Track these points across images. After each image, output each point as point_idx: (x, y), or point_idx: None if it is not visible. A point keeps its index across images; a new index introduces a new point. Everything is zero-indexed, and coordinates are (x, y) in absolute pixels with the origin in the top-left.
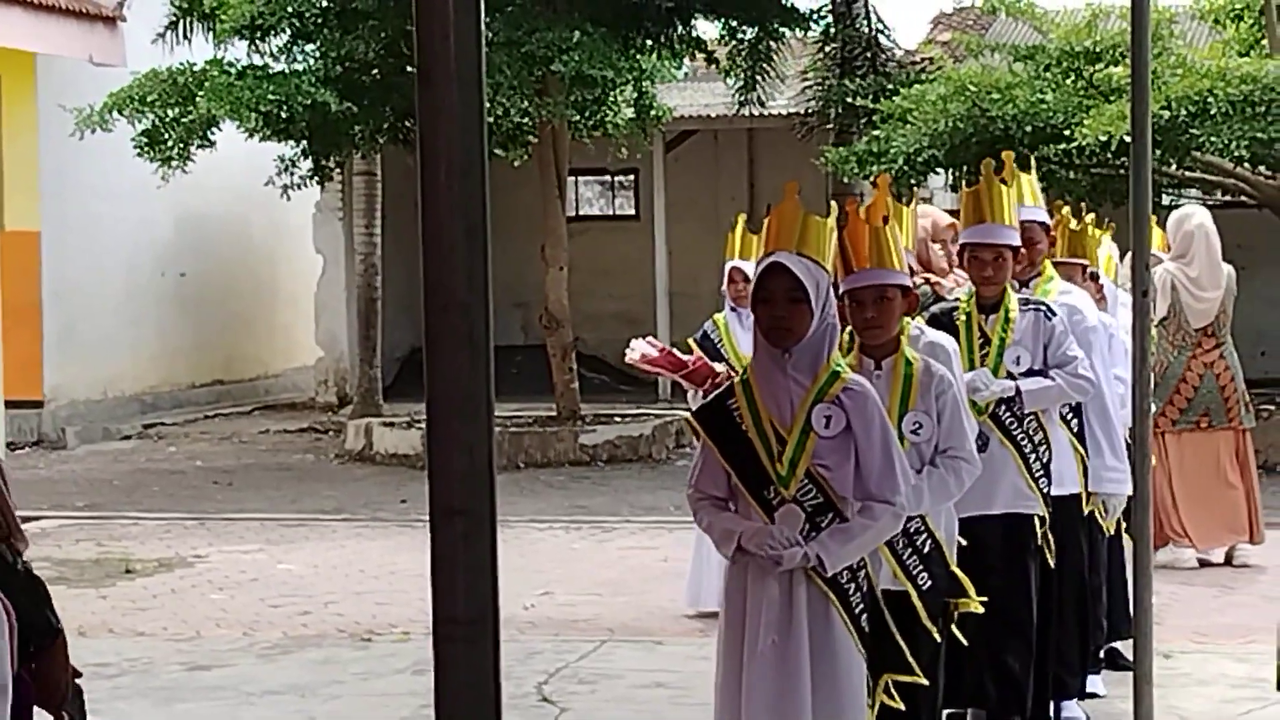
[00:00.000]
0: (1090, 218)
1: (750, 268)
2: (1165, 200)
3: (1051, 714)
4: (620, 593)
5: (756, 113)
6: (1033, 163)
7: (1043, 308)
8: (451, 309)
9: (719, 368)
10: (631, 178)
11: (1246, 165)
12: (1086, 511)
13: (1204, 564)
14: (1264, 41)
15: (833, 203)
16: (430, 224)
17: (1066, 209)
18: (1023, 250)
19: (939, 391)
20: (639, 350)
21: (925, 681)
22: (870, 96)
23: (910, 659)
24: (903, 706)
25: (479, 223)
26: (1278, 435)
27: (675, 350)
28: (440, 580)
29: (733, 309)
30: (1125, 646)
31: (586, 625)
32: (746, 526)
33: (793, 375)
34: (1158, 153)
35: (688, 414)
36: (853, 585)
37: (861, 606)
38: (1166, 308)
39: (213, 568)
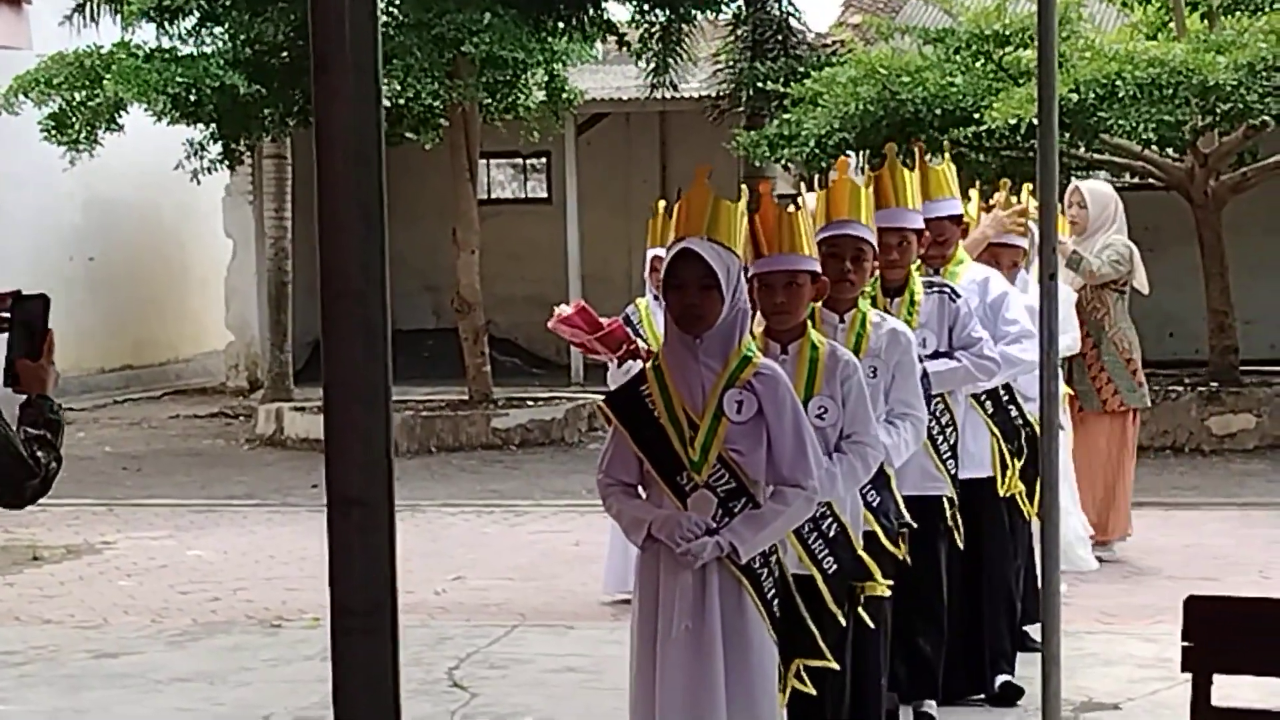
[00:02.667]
0: (1026, 191)
1: None
2: (1073, 183)
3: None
4: (532, 577)
5: (668, 96)
6: (945, 147)
7: (947, 290)
8: (348, 297)
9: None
10: (543, 161)
11: (1154, 148)
12: (1006, 494)
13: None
14: (1171, 25)
15: (744, 186)
16: (327, 211)
17: (1001, 191)
18: (927, 238)
19: (844, 376)
20: (559, 312)
21: (836, 666)
22: (781, 79)
23: (822, 644)
24: (813, 691)
25: (376, 211)
26: (1185, 416)
27: (590, 309)
28: (337, 570)
29: (655, 296)
30: (1035, 629)
31: (498, 610)
32: (656, 514)
33: (704, 361)
34: (1066, 135)
35: (600, 399)
36: (765, 570)
37: (774, 592)
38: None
39: (121, 554)
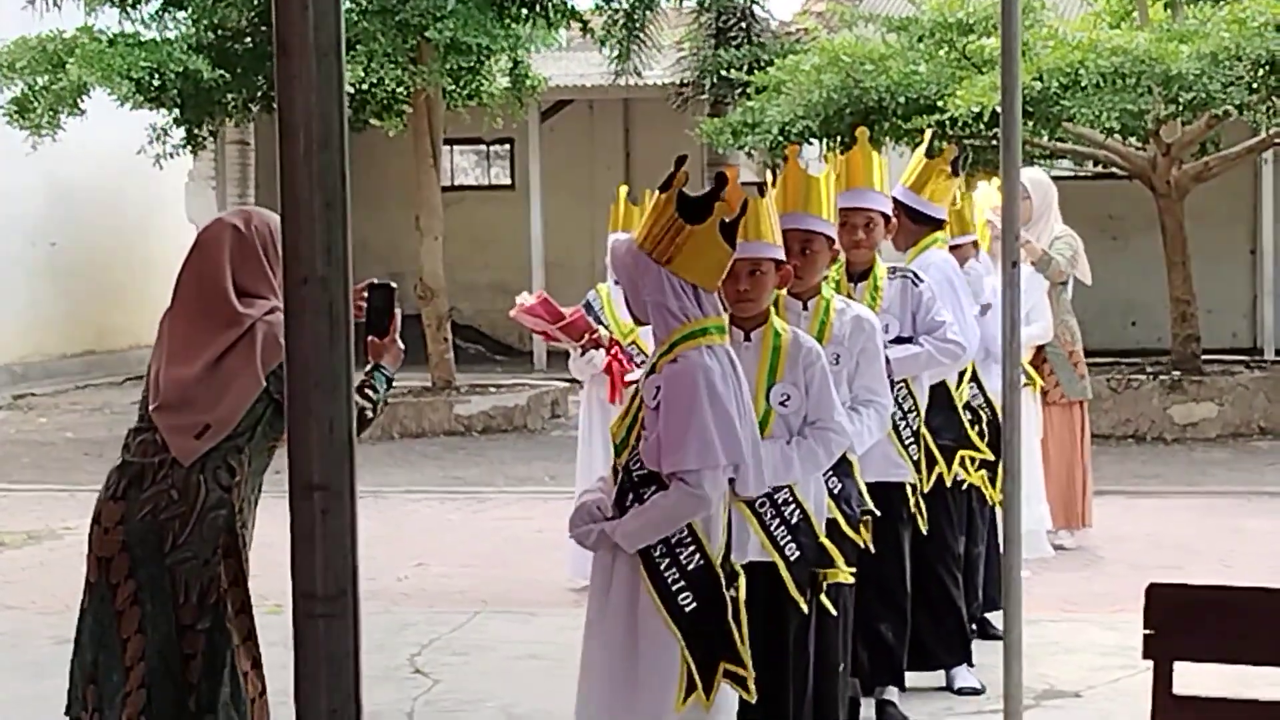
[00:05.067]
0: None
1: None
2: None
3: (946, 683)
4: (494, 564)
5: (632, 83)
6: (924, 137)
7: (910, 274)
8: (310, 282)
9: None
10: (507, 147)
11: (1117, 136)
12: (965, 485)
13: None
14: (1134, 13)
15: (720, 171)
16: (289, 197)
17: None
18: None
19: (807, 363)
20: (520, 302)
21: (752, 674)
22: (745, 67)
23: (740, 649)
24: (753, 696)
25: (338, 195)
26: (1148, 405)
27: (552, 300)
28: (299, 557)
29: (616, 281)
30: (997, 616)
31: (460, 596)
32: (584, 497)
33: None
34: (1029, 124)
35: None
36: (667, 560)
37: (681, 585)
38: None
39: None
